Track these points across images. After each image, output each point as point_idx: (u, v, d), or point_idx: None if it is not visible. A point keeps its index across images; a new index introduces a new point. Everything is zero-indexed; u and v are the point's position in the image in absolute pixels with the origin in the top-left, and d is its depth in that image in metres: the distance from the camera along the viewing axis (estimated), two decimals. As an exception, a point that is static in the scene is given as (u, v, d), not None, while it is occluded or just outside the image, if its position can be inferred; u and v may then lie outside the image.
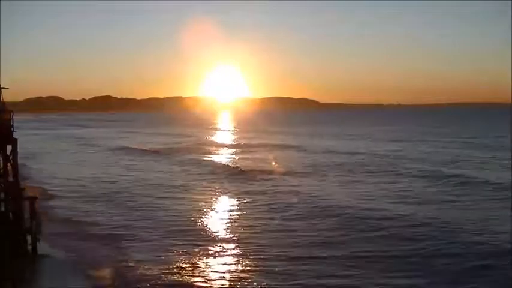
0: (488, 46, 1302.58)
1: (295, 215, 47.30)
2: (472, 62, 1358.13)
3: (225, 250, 36.76)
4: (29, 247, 35.29)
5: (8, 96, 37.36)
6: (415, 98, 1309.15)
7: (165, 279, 31.09)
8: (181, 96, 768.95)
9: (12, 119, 36.31)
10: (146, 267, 33.01)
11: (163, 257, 35.03)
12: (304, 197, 54.98)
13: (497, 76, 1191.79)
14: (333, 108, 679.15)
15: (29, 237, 35.33)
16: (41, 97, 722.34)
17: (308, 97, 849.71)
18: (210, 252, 36.27)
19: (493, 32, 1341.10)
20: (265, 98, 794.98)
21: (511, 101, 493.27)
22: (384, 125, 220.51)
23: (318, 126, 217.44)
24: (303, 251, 35.88)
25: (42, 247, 35.87)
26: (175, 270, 32.34)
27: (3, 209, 35.96)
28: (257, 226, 43.50)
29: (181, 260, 34.51)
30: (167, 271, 32.20)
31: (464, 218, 44.37)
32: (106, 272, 32.45)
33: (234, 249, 37.11)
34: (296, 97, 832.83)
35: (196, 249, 36.78)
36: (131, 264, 33.81)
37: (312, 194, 56.26)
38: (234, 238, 40.20)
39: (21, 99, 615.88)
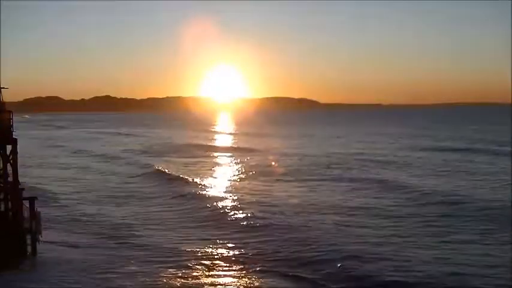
0: (488, 46, 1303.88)
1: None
2: (472, 62, 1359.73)
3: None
4: (29, 247, 35.36)
5: (7, 96, 37.41)
6: (415, 98, 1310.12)
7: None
8: (181, 96, 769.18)
9: (12, 119, 36.34)
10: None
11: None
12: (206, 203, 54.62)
13: (497, 76, 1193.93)
14: (333, 108, 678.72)
15: (28, 237, 35.38)
16: (40, 97, 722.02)
17: (308, 97, 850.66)
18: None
19: (493, 32, 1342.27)
20: (264, 98, 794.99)
21: (511, 101, 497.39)
22: (374, 126, 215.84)
23: (306, 127, 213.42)
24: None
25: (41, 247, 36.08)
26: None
27: (2, 208, 35.97)
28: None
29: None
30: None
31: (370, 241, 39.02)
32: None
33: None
34: (296, 97, 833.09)
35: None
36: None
37: (221, 201, 55.43)
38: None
39: (21, 99, 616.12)
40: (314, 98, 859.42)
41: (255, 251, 37.21)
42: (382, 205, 51.41)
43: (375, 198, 55.68)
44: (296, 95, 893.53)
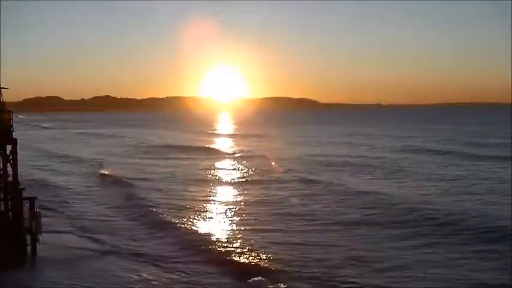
0: (488, 46, 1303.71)
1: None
2: (472, 62, 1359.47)
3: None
4: (28, 247, 35.37)
5: (7, 96, 37.40)
6: (414, 98, 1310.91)
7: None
8: (181, 96, 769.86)
9: (12, 119, 36.35)
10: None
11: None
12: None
13: (497, 76, 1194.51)
14: (333, 108, 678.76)
15: (28, 237, 35.40)
16: (40, 97, 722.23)
17: (308, 97, 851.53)
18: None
19: (493, 32, 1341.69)
20: (264, 98, 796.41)
21: (511, 101, 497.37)
22: (365, 126, 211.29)
23: (299, 128, 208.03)
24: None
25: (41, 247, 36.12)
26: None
27: (2, 208, 35.98)
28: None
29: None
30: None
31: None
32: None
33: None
34: (295, 97, 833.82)
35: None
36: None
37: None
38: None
39: (21, 99, 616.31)
40: (314, 98, 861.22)
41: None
42: (324, 211, 49.60)
43: (318, 203, 53.44)
44: (296, 95, 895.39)
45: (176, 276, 32.12)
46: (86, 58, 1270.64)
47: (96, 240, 41.17)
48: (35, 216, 35.43)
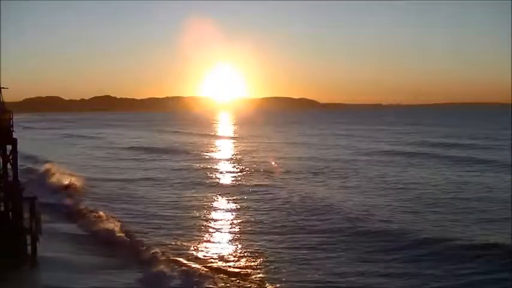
0: (488, 46, 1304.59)
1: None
2: (472, 62, 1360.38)
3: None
4: (29, 247, 35.35)
5: (7, 96, 37.41)
6: (414, 98, 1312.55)
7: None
8: (181, 96, 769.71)
9: (12, 119, 36.38)
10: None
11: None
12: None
13: (497, 76, 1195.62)
14: (333, 108, 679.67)
15: (28, 237, 35.40)
16: (40, 97, 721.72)
17: (308, 97, 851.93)
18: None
19: (493, 32, 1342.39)
20: (264, 98, 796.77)
21: (511, 101, 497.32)
22: (363, 126, 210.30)
23: (289, 128, 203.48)
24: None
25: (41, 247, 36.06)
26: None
27: (2, 208, 35.99)
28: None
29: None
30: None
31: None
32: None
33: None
34: (296, 97, 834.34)
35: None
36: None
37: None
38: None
39: (21, 99, 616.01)
40: (314, 98, 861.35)
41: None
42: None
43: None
44: (296, 95, 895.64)
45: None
46: (86, 58, 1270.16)
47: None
48: (35, 216, 35.46)
